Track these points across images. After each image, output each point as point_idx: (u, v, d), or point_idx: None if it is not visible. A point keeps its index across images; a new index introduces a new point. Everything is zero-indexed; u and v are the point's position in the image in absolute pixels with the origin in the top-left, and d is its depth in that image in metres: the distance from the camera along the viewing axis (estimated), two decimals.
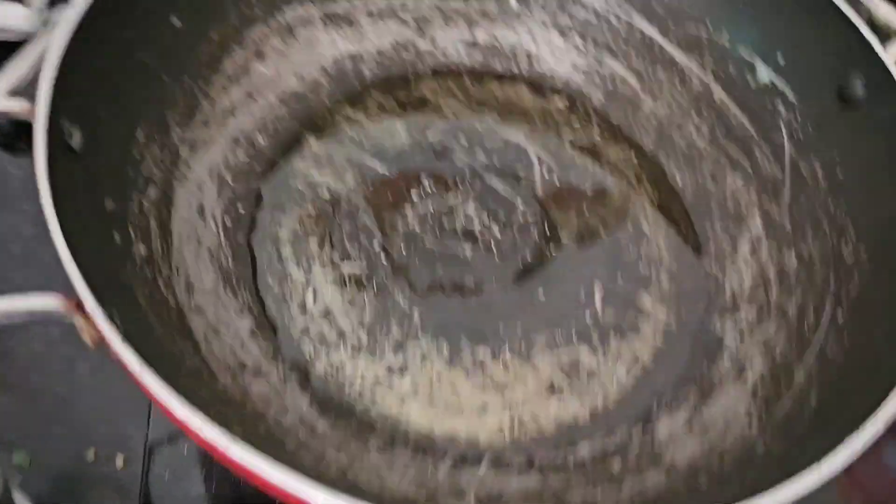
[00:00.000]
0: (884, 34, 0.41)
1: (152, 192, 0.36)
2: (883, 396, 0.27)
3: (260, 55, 0.42)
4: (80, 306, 0.26)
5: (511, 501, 0.31)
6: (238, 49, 0.41)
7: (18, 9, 0.68)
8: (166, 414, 0.25)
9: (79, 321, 0.27)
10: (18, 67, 0.61)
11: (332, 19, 0.44)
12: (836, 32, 0.38)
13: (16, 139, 0.44)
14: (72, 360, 0.38)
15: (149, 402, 0.36)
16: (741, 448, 0.32)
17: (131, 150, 0.35)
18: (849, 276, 0.35)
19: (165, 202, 0.37)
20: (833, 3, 0.38)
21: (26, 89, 0.35)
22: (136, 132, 0.36)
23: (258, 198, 0.40)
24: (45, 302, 0.27)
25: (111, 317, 0.25)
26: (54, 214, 0.27)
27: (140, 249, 0.33)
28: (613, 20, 0.45)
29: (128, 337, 0.25)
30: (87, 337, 0.27)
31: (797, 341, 0.35)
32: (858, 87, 0.37)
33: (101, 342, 0.26)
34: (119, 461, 0.36)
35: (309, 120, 0.43)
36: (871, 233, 0.35)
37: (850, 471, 0.25)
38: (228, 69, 0.41)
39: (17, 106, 0.32)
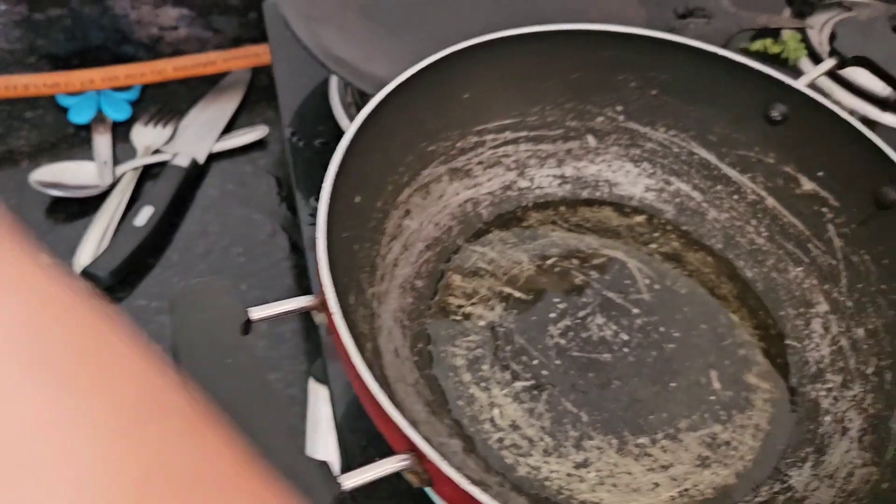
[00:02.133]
0: None
1: (369, 345, 0.44)
2: None
3: (408, 213, 0.51)
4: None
5: None
6: (393, 211, 0.50)
7: (91, 166, 0.74)
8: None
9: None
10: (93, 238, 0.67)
11: (454, 173, 0.53)
12: (866, 154, 0.49)
13: None
14: None
15: None
16: (869, 489, 0.42)
17: (349, 316, 0.43)
18: None
19: (376, 354, 0.44)
20: (859, 130, 0.50)
21: None
22: (349, 298, 0.43)
23: (429, 335, 0.48)
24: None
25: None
26: None
27: None
28: (675, 149, 0.56)
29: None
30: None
31: (885, 398, 0.45)
32: (891, 193, 0.48)
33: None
34: None
35: (448, 260, 0.52)
36: None
37: None
38: (389, 229, 0.49)
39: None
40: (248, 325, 0.35)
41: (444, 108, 0.51)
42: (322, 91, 0.70)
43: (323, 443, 0.59)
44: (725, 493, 0.44)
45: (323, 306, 0.37)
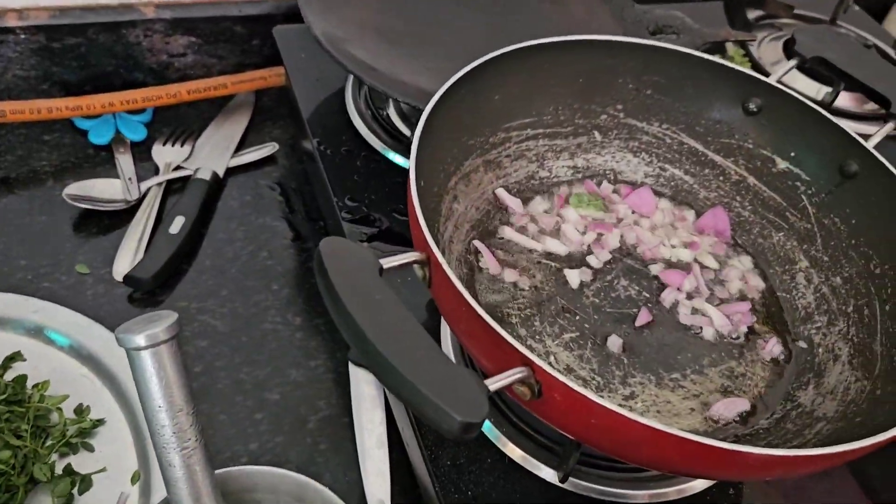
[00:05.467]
0: None
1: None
2: None
3: (455, 198, 0.58)
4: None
5: None
6: (445, 196, 0.57)
7: (116, 182, 0.79)
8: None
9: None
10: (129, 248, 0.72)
11: (488, 164, 0.61)
12: (830, 135, 0.60)
13: None
14: None
15: None
16: (866, 396, 0.51)
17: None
18: (882, 283, 0.56)
19: None
20: (823, 115, 0.60)
21: None
22: None
23: (486, 302, 0.55)
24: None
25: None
26: None
27: None
28: (668, 140, 0.65)
29: None
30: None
31: (866, 328, 0.55)
32: (853, 166, 0.59)
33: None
34: None
35: (491, 237, 0.59)
36: (889, 254, 0.56)
37: None
38: (443, 211, 0.56)
39: None
40: (381, 271, 0.41)
41: (479, 109, 0.59)
42: (338, 105, 0.77)
43: (368, 419, 0.64)
44: (746, 414, 0.53)
45: (427, 260, 0.44)
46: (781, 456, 0.39)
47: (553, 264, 0.59)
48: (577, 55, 0.62)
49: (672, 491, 0.53)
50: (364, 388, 0.65)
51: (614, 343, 0.54)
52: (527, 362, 0.40)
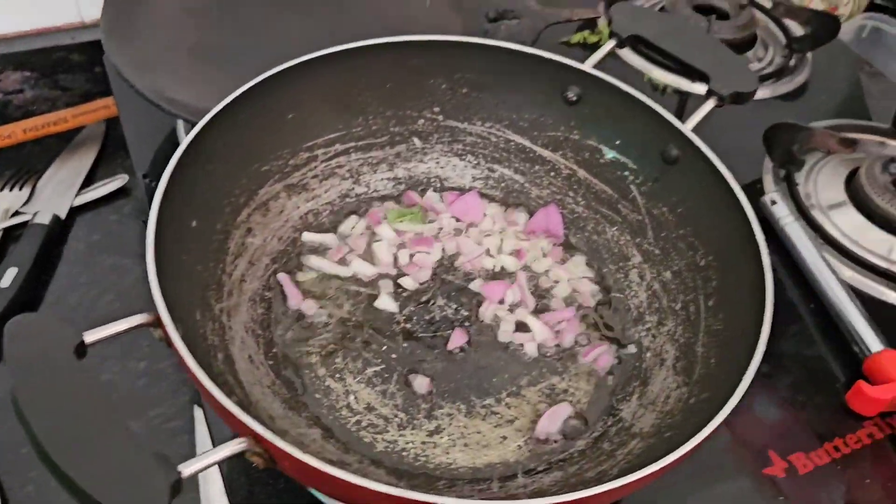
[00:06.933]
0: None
1: (220, 355, 0.47)
2: (755, 342, 0.43)
3: (249, 231, 0.54)
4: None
5: (550, 491, 0.45)
6: (234, 231, 0.53)
7: None
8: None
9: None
10: None
11: (291, 189, 0.57)
12: (649, 120, 0.56)
13: None
14: None
15: None
16: (682, 405, 0.47)
17: (197, 330, 0.46)
18: (707, 276, 0.52)
19: (228, 362, 0.47)
20: (642, 101, 0.56)
21: None
22: (195, 314, 0.47)
23: (282, 341, 0.52)
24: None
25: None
26: None
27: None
28: (493, 138, 0.61)
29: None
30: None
31: (691, 327, 0.51)
32: (673, 150, 0.55)
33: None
34: None
35: (297, 269, 0.56)
36: (712, 244, 0.52)
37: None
38: (232, 248, 0.53)
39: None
40: (81, 347, 0.38)
41: (270, 130, 0.55)
42: (172, 135, 0.73)
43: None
44: (564, 434, 0.49)
45: (158, 321, 0.40)
46: None
47: (363, 290, 0.55)
48: (377, 59, 0.58)
49: None
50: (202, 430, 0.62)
51: (420, 383, 0.50)
52: (249, 433, 0.36)
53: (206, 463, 0.35)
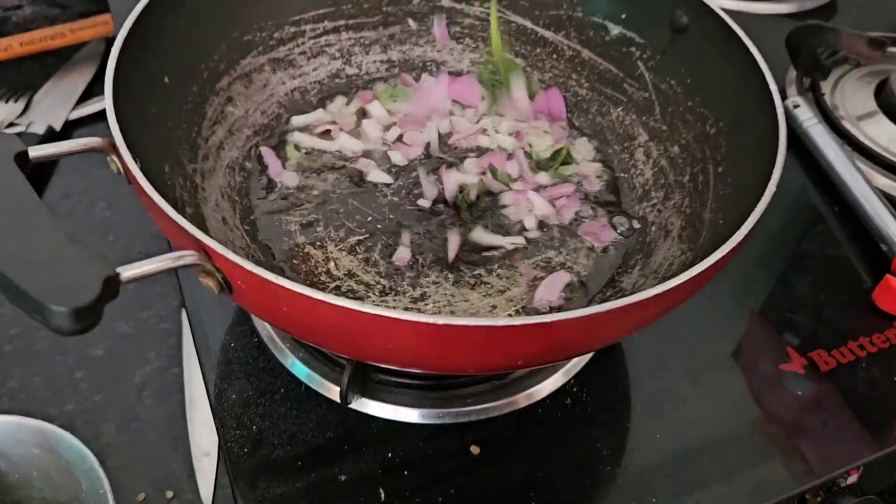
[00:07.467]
0: None
1: (189, 210, 0.44)
2: (759, 197, 0.39)
3: (230, 100, 0.51)
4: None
5: None
6: (213, 97, 0.50)
7: None
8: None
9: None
10: None
11: (276, 63, 0.54)
12: None
13: None
14: None
15: None
16: (685, 268, 0.43)
17: (164, 180, 0.43)
18: (717, 143, 0.48)
19: (198, 217, 0.45)
20: None
21: None
22: (164, 167, 0.44)
23: (259, 208, 0.49)
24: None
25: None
26: None
27: None
28: None
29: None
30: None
31: (699, 197, 0.47)
32: (683, 18, 0.51)
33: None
34: None
35: (282, 144, 0.53)
36: (723, 110, 0.48)
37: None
38: (210, 114, 0.50)
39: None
40: (23, 157, 0.35)
41: None
42: None
43: (198, 367, 0.58)
44: (572, 289, 0.46)
45: (113, 147, 0.37)
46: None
47: (349, 165, 0.52)
48: None
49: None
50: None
51: (405, 252, 0.47)
52: (201, 247, 0.33)
53: (146, 269, 0.32)
